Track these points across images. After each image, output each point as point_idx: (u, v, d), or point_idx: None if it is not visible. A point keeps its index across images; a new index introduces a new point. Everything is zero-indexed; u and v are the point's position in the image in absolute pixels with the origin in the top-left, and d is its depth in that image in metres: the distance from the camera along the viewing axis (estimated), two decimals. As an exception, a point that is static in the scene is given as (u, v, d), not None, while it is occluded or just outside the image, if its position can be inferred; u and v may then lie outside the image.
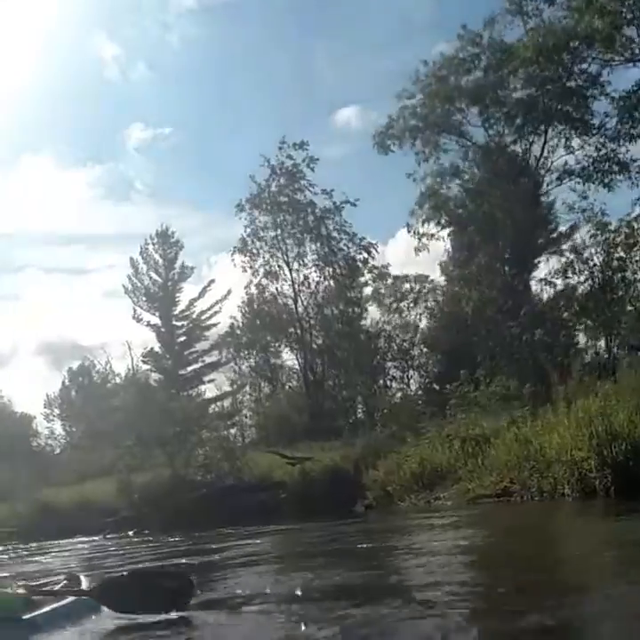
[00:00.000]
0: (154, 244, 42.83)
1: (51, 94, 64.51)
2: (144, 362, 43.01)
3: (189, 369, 41.20)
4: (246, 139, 61.68)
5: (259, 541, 14.24)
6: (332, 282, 32.15)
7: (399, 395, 38.32)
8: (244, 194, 32.65)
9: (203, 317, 42.07)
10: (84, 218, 66.19)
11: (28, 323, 70.96)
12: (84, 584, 5.70)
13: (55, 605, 5.11)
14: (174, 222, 43.42)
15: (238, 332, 39.49)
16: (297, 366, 34.38)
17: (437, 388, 31.79)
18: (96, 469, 33.23)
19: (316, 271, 32.35)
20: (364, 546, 11.34)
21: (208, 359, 41.00)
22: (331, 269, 32.10)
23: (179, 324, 42.46)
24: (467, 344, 29.53)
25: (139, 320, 42.04)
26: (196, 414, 32.32)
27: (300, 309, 32.22)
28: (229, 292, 40.60)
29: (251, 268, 32.25)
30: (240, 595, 6.44)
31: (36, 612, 4.85)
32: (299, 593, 6.15)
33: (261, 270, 32.30)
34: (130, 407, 31.04)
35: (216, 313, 40.65)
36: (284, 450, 25.56)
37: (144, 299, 42.51)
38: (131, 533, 20.77)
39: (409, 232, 28.73)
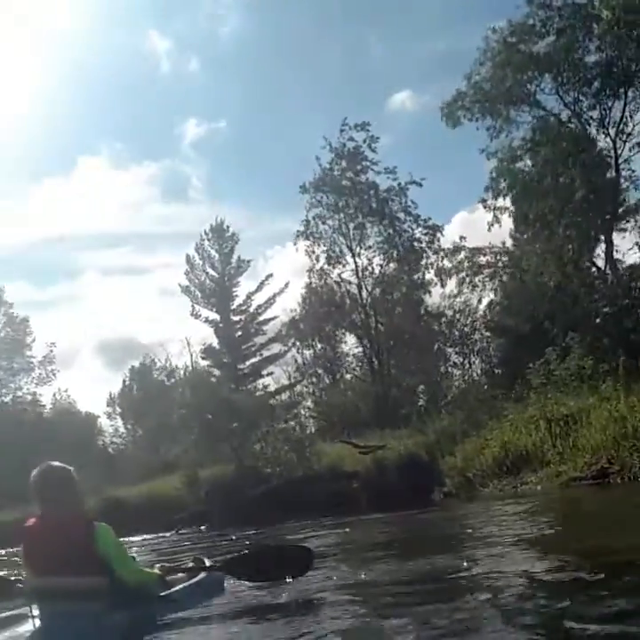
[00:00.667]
0: (209, 240, 42.82)
1: (105, 93, 65.40)
2: (203, 358, 43.00)
3: (247, 363, 40.99)
4: (299, 131, 61.12)
5: (339, 531, 13.49)
6: (395, 265, 31.13)
7: (460, 381, 37.27)
8: (296, 186, 32.06)
9: (260, 311, 42.07)
10: (140, 217, 66.28)
11: (88, 324, 71.57)
12: (208, 563, 6.48)
13: (189, 582, 5.85)
14: (229, 217, 42.68)
15: (297, 319, 38.82)
16: (361, 353, 33.45)
17: (500, 372, 30.69)
18: (160, 466, 32.90)
19: (379, 254, 31.41)
20: (454, 534, 10.50)
21: (266, 353, 40.79)
22: (394, 252, 31.08)
23: (236, 318, 42.35)
24: (535, 325, 28.21)
25: (197, 316, 41.96)
26: (259, 407, 31.78)
27: (363, 294, 31.27)
28: (287, 284, 40.18)
29: (313, 252, 31.44)
30: (332, 585, 6.33)
31: (173, 589, 5.56)
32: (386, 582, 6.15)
33: (323, 256, 31.45)
34: (193, 402, 30.56)
35: (272, 305, 40.44)
36: (352, 439, 24.73)
37: (201, 295, 42.44)
38: (202, 528, 20.17)
39: (485, 208, 27.53)
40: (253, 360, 41.09)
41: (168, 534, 20.08)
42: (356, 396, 34.77)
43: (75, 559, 4.86)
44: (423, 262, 30.97)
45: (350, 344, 33.89)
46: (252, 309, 41.50)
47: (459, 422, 21.73)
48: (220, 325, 41.54)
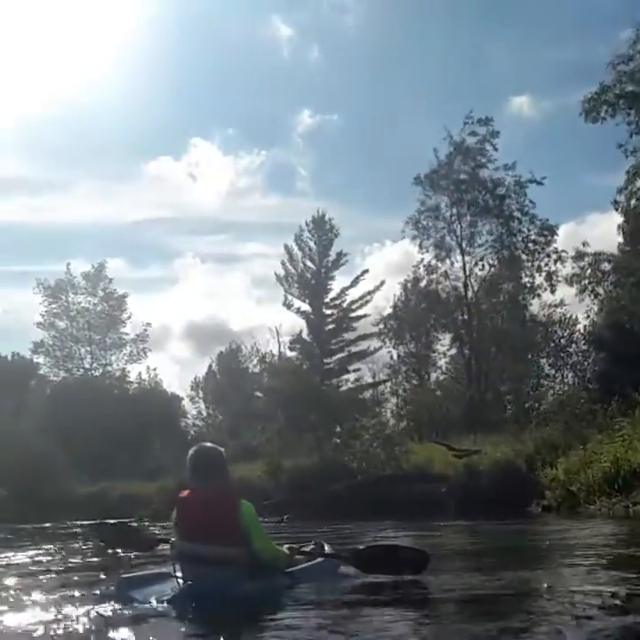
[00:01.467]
0: (309, 231, 43.19)
1: (224, 78, 65.26)
2: (291, 348, 42.66)
3: (335, 358, 40.70)
4: (413, 130, 59.82)
5: (426, 534, 12.46)
6: (504, 266, 29.76)
7: (554, 392, 35.48)
8: (403, 185, 31.45)
9: (353, 307, 41.64)
10: (243, 204, 66.19)
11: (180, 307, 72.08)
12: (327, 549, 6.91)
13: (310, 563, 6.34)
14: (331, 212, 42.25)
15: (395, 312, 37.95)
16: (457, 354, 32.13)
17: (596, 387, 28.80)
18: (241, 452, 32.52)
19: (490, 254, 30.10)
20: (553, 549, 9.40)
21: (353, 349, 40.86)
22: (506, 252, 29.72)
23: (328, 312, 42.29)
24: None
25: (289, 306, 42.05)
26: (347, 401, 31.03)
27: (469, 294, 29.99)
28: (382, 283, 40.39)
29: (420, 246, 30.38)
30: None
31: (296, 568, 6.09)
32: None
33: (432, 249, 30.34)
34: (281, 389, 30.06)
35: (367, 302, 40.67)
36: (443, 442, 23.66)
37: (296, 285, 42.60)
38: (284, 518, 19.35)
39: (617, 210, 25.98)
40: (341, 355, 40.99)
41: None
42: (446, 398, 33.53)
43: (221, 530, 5.49)
44: (535, 265, 29.49)
45: (446, 344, 32.56)
46: (345, 305, 41.73)
47: (560, 433, 20.34)
48: (312, 317, 41.81)
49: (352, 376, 39.72)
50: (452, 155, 30.42)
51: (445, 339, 31.91)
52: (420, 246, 30.48)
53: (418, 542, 10.51)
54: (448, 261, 30.27)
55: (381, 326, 38.56)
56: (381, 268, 56.90)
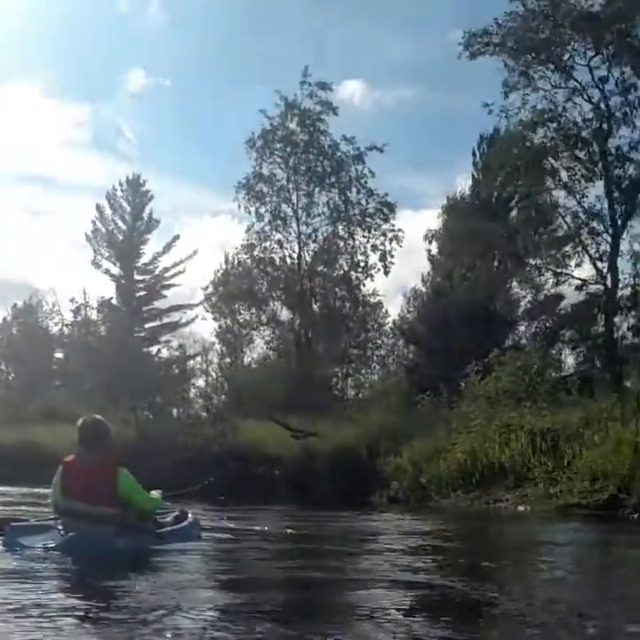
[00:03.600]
0: (123, 191, 41.88)
1: (57, 19, 58.88)
2: (99, 311, 40.18)
3: (146, 326, 39.43)
4: (246, 100, 57.34)
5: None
6: (340, 240, 28.49)
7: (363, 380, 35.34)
8: (230, 162, 29.45)
9: (166, 275, 40.76)
10: (60, 158, 61.43)
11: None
12: (190, 516, 7.62)
13: (176, 526, 7.31)
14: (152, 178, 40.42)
15: (220, 281, 36.48)
16: (283, 328, 30.65)
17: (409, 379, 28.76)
18: (37, 413, 29.54)
19: (326, 224, 28.70)
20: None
21: (166, 319, 39.80)
22: (341, 226, 28.48)
23: (140, 277, 41.26)
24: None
25: (98, 267, 40.37)
26: (168, 369, 29.03)
27: (303, 266, 28.51)
28: (196, 251, 40.27)
29: (255, 211, 28.38)
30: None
31: (164, 529, 7.11)
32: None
33: (267, 216, 28.44)
34: (96, 346, 27.54)
35: (180, 272, 40.09)
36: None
37: (106, 245, 41.10)
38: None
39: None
40: (152, 324, 39.73)
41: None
42: (267, 375, 31.99)
43: (100, 493, 6.27)
44: (370, 242, 28.45)
45: (278, 315, 30.92)
46: (157, 271, 40.76)
47: (401, 418, 19.51)
48: (123, 282, 40.41)
49: (163, 348, 37.96)
50: (284, 115, 28.54)
51: (277, 309, 30.14)
52: (256, 213, 28.57)
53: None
54: (283, 230, 28.62)
55: (203, 297, 36.85)
56: (199, 242, 55.48)
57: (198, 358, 41.03)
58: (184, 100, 59.37)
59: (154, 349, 36.89)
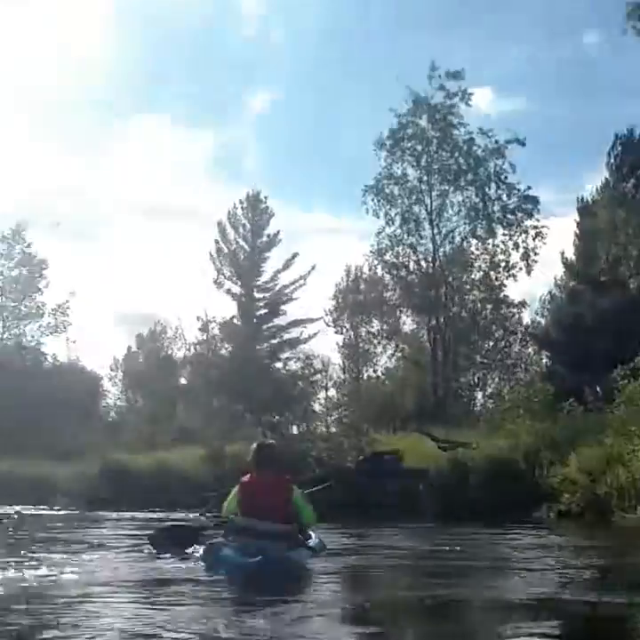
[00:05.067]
0: (243, 209, 41.66)
1: (184, 50, 59.66)
2: (220, 330, 39.70)
3: (267, 344, 38.66)
4: (368, 115, 55.70)
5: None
6: (478, 241, 26.45)
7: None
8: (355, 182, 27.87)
9: (286, 291, 40.25)
10: (183, 186, 61.79)
11: (109, 288, 67.34)
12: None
13: (314, 541, 7.46)
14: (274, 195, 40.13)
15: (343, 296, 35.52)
16: (416, 335, 28.66)
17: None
18: (167, 437, 29.53)
19: (464, 224, 26.70)
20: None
21: (286, 335, 39.06)
22: (483, 223, 26.34)
23: (260, 295, 40.98)
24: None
25: (220, 286, 40.21)
26: (296, 383, 27.65)
27: (437, 269, 26.55)
28: (314, 266, 39.26)
29: (385, 214, 26.72)
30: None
31: (311, 542, 7.36)
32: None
33: (398, 219, 26.69)
34: (227, 364, 26.51)
35: (300, 286, 39.41)
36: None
37: (228, 265, 41.00)
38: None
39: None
40: (273, 342, 38.91)
41: (191, 515, 15.83)
42: (399, 386, 30.17)
43: (277, 510, 6.75)
44: (512, 240, 26.24)
45: (410, 323, 29.04)
46: (277, 288, 40.35)
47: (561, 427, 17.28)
48: (243, 300, 40.20)
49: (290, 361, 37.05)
50: (414, 112, 26.75)
51: (409, 318, 28.29)
52: (385, 216, 26.86)
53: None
54: (417, 234, 26.74)
55: (324, 313, 35.71)
56: (318, 259, 54.96)
57: (317, 375, 40.13)
58: (306, 118, 58.73)
59: (279, 365, 35.79)
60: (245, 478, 6.97)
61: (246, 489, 6.86)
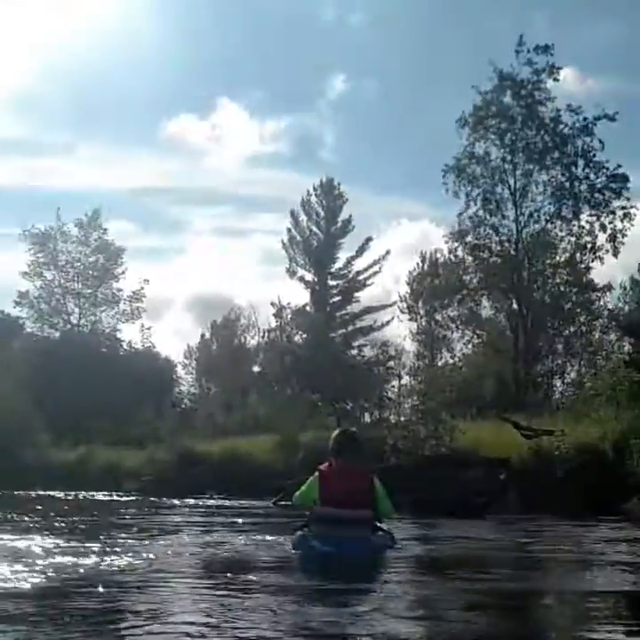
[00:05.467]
0: (317, 196, 41.88)
1: (258, 34, 59.86)
2: (293, 318, 39.41)
3: (339, 332, 38.99)
4: (447, 99, 54.66)
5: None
6: (563, 222, 25.23)
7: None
8: (430, 169, 26.94)
9: (359, 278, 40.62)
10: (260, 175, 61.96)
11: (186, 277, 68.18)
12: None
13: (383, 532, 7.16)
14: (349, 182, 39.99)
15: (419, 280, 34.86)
16: (503, 321, 27.57)
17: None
18: (238, 425, 29.42)
19: (549, 204, 25.55)
20: None
21: (359, 323, 39.41)
22: (570, 202, 25.16)
23: (333, 283, 41.28)
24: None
25: (293, 274, 40.86)
26: (370, 370, 27.03)
27: (520, 251, 25.46)
28: (388, 251, 40.05)
29: (466, 195, 25.75)
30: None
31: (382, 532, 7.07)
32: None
33: (480, 199, 25.70)
34: (295, 349, 26.10)
35: (374, 273, 39.95)
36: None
37: (301, 252, 41.51)
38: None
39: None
40: (346, 329, 39.17)
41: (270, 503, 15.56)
42: (477, 373, 29.28)
43: (360, 497, 6.60)
44: (598, 221, 24.99)
45: (489, 310, 28.04)
46: (351, 275, 40.68)
47: None
48: (317, 288, 40.46)
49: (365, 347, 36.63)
50: (499, 88, 25.65)
51: (490, 302, 27.21)
52: (467, 196, 25.90)
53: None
54: (499, 214, 25.69)
55: (403, 298, 36.10)
56: (392, 245, 54.37)
57: (391, 362, 39.60)
58: (384, 103, 58.24)
59: (353, 352, 35.32)
60: (324, 466, 6.79)
61: (328, 477, 6.70)
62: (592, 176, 25.00)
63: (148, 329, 42.07)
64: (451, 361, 35.34)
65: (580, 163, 25.13)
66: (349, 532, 6.44)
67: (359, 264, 40.94)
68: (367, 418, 28.11)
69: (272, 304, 34.65)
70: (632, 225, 25.01)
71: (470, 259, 25.54)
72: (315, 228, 41.83)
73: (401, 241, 57.66)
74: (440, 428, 18.64)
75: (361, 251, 41.14)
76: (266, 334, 44.68)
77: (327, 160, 62.23)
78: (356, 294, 40.88)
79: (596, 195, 24.88)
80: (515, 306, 25.38)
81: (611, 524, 11.17)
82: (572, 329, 27.96)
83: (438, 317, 30.60)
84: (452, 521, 11.52)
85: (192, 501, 16.86)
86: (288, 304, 32.73)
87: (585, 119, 25.01)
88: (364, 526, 6.61)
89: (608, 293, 29.34)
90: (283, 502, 14.88)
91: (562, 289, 25.72)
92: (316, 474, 6.77)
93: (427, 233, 67.09)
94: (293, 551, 6.73)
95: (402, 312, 40.65)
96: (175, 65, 63.21)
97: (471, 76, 37.79)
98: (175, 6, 61.25)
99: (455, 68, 53.77)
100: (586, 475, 14.81)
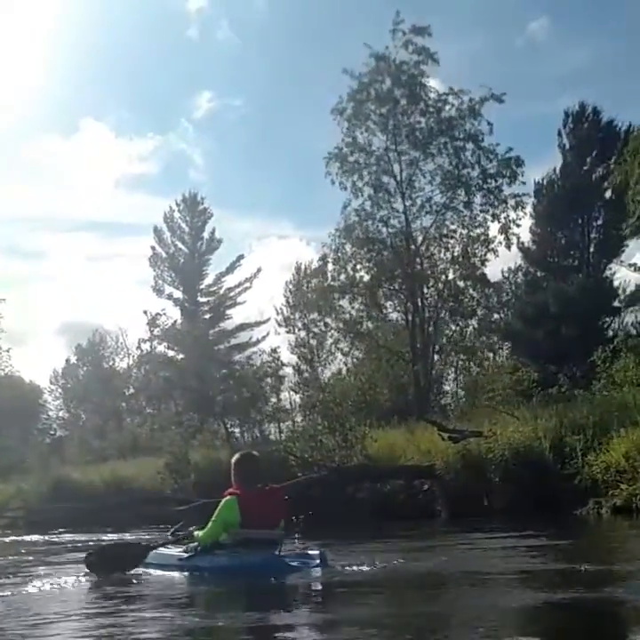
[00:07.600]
0: (180, 211, 41.14)
1: (123, 53, 57.15)
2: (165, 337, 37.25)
3: (216, 348, 37.19)
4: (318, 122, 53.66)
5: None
6: (453, 212, 23.72)
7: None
8: (298, 188, 25.25)
9: (231, 295, 40.57)
10: (123, 197, 60.35)
11: (53, 304, 65.46)
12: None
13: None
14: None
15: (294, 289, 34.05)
16: (401, 322, 25.89)
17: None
18: (115, 450, 29.11)
19: (439, 193, 23.97)
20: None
21: (234, 341, 39.11)
22: (461, 190, 23.62)
23: (204, 300, 41.21)
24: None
25: (160, 293, 40.09)
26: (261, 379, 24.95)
27: (411, 245, 23.77)
28: (259, 269, 40.40)
29: (352, 185, 23.78)
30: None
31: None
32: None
33: (367, 190, 23.80)
34: (182, 363, 23.91)
35: (246, 289, 39.76)
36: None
37: (167, 269, 40.72)
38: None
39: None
40: (224, 345, 38.56)
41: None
42: (371, 380, 27.52)
43: (276, 517, 6.74)
44: (489, 212, 23.63)
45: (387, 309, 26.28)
46: (222, 291, 40.53)
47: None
48: (186, 305, 39.80)
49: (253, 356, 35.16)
50: (376, 70, 23.80)
51: (383, 301, 25.41)
52: (353, 187, 23.93)
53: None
54: (389, 206, 23.91)
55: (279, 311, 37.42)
56: (264, 263, 53.87)
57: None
58: (251, 121, 57.20)
59: (238, 362, 33.53)
60: (232, 491, 6.78)
61: (244, 502, 6.66)
62: (483, 161, 23.47)
63: (7, 351, 38.73)
64: (343, 369, 33.64)
65: (469, 148, 23.59)
66: (271, 552, 6.57)
67: (231, 281, 40.73)
68: (257, 432, 26.15)
69: (145, 312, 32.36)
70: (525, 214, 23.95)
71: (363, 251, 23.59)
72: (180, 244, 41.05)
73: (273, 259, 56.80)
74: (350, 437, 16.72)
75: (232, 268, 40.61)
76: (139, 344, 42.27)
77: (196, 180, 60.89)
78: (229, 312, 40.57)
79: (489, 181, 23.41)
80: (410, 304, 23.66)
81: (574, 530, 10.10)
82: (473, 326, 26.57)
83: (321, 326, 28.06)
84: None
85: (69, 537, 14.05)
86: (163, 310, 30.49)
87: (471, 100, 23.53)
88: (275, 545, 6.69)
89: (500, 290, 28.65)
90: (181, 532, 12.51)
91: (457, 284, 24.14)
92: (228, 500, 6.69)
93: (297, 251, 66.43)
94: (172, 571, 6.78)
95: (279, 325, 39.39)
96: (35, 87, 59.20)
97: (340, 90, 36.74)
98: (34, 29, 57.29)
99: (323, 84, 53.10)
100: (526, 478, 13.17)
